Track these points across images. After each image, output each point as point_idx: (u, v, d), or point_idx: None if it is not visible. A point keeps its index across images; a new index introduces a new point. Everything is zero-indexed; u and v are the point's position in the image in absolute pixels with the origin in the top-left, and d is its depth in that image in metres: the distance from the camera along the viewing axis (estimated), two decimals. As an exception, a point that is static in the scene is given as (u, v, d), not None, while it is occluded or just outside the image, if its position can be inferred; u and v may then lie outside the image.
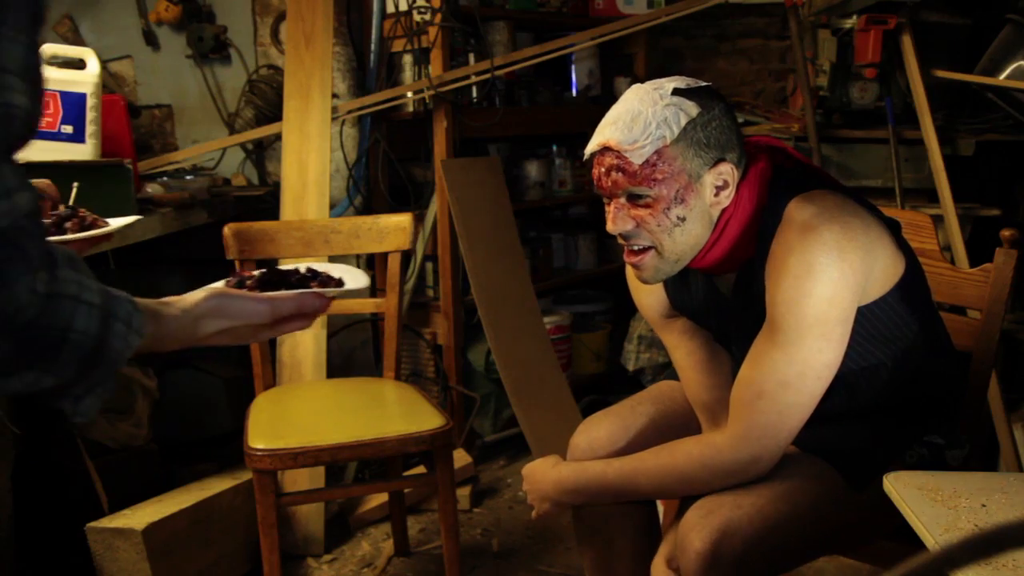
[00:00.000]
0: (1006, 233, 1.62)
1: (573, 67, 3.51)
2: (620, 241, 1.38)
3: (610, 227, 1.36)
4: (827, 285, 1.26)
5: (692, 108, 1.31)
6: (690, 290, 1.51)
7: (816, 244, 1.26)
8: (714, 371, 1.53)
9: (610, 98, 3.55)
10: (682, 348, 1.56)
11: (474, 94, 2.96)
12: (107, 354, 0.75)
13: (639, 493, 1.43)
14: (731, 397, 1.36)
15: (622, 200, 1.35)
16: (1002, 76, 2.79)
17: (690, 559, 1.29)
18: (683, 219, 1.32)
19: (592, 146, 1.36)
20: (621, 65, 3.65)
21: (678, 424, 1.57)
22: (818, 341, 1.28)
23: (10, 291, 0.64)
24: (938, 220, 2.62)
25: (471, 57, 2.94)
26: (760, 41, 3.73)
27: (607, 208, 1.38)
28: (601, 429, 1.57)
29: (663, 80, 1.36)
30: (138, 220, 1.51)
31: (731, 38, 3.76)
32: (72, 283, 0.70)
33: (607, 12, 3.47)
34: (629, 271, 1.51)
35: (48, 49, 2.10)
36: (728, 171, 1.33)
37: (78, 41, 3.14)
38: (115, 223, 1.32)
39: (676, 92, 1.32)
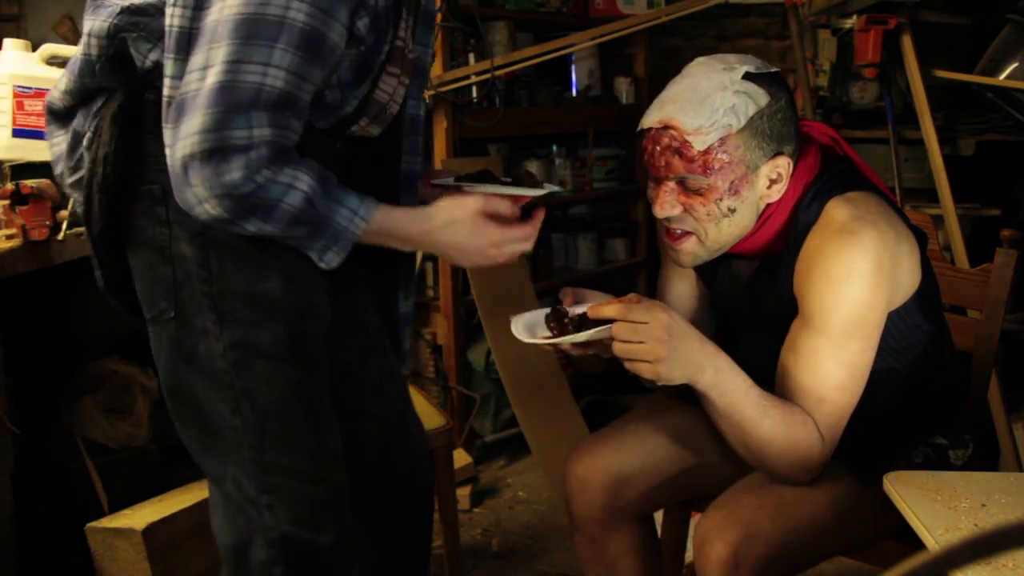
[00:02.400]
0: (1006, 233, 1.62)
1: (573, 67, 3.51)
2: (663, 222, 1.35)
3: (657, 211, 1.32)
4: (866, 290, 1.25)
5: (762, 97, 1.28)
6: (710, 265, 1.48)
7: (856, 249, 1.25)
8: None
9: (610, 98, 3.55)
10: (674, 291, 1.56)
11: (474, 94, 2.96)
12: (331, 227, 1.17)
13: (744, 428, 1.26)
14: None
15: (672, 183, 1.31)
16: (1002, 76, 2.79)
17: (711, 561, 1.27)
18: (733, 211, 1.30)
19: (650, 120, 1.30)
20: (621, 65, 3.65)
21: (673, 440, 1.56)
22: (861, 343, 1.27)
23: (229, 173, 1.09)
24: (938, 220, 2.62)
25: (471, 57, 2.94)
26: (760, 41, 3.73)
27: (653, 189, 1.33)
28: (596, 453, 1.54)
29: (733, 58, 1.31)
30: (558, 190, 1.62)
31: (731, 38, 3.76)
32: (289, 176, 1.12)
33: (607, 12, 3.46)
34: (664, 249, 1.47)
35: (48, 49, 2.10)
36: (784, 165, 1.31)
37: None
38: (543, 189, 1.38)
39: (748, 76, 1.28)
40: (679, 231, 1.34)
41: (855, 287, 1.25)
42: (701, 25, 3.75)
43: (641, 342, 1.20)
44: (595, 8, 3.50)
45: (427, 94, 2.79)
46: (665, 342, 1.20)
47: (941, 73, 2.84)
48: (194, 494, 2.19)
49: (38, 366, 2.15)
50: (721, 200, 1.29)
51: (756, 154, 1.29)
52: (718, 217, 1.30)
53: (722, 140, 1.26)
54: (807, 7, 2.88)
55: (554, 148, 3.40)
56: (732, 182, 1.28)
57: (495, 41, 3.02)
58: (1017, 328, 2.75)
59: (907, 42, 2.76)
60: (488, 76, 2.87)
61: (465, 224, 1.23)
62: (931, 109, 2.73)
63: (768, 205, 1.33)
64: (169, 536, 2.01)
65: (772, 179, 1.31)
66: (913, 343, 1.39)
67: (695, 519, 1.71)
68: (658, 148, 1.29)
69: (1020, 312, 2.79)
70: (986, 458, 2.47)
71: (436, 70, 2.81)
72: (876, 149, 2.96)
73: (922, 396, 1.44)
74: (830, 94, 2.97)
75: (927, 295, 1.38)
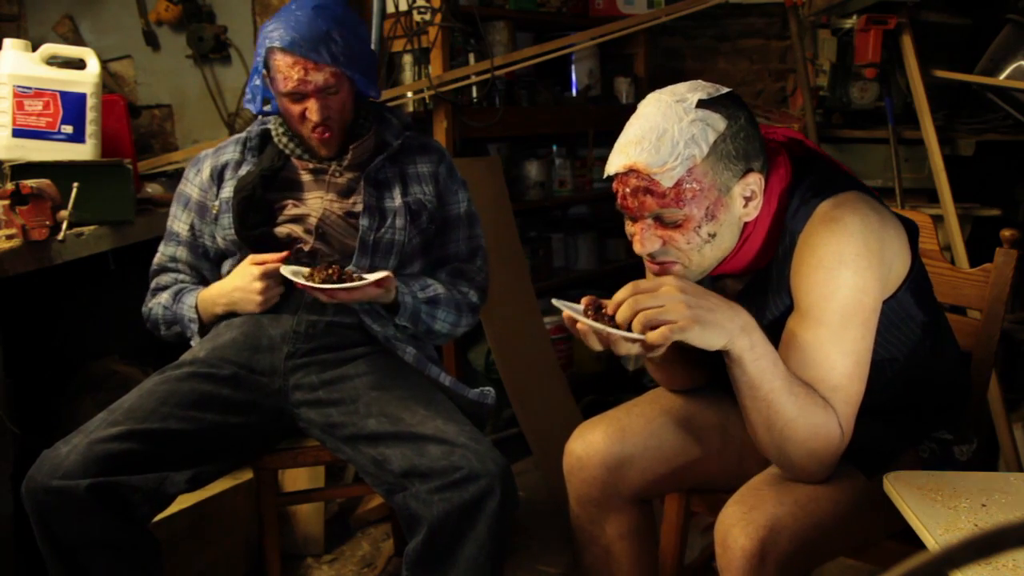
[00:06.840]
0: (1006, 233, 1.62)
1: (573, 67, 3.51)
2: (646, 256, 1.35)
3: (638, 249, 1.33)
4: (858, 274, 1.26)
5: (719, 122, 1.28)
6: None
7: (843, 234, 1.26)
8: None
9: (610, 98, 3.55)
10: None
11: (474, 94, 2.96)
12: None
13: (771, 403, 1.23)
14: None
15: (649, 220, 1.31)
16: (1002, 76, 2.79)
17: (735, 556, 1.26)
18: (713, 235, 1.31)
19: (615, 166, 1.31)
20: (621, 65, 3.65)
21: (675, 425, 1.56)
22: (860, 329, 1.27)
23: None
24: (938, 220, 2.62)
25: (471, 57, 2.94)
26: (760, 41, 3.73)
27: (630, 227, 1.34)
28: (597, 433, 1.54)
29: (683, 88, 1.32)
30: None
31: (731, 38, 3.76)
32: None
33: (607, 12, 3.47)
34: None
35: (48, 49, 2.10)
36: (756, 181, 1.31)
37: (78, 41, 3.14)
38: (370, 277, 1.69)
39: (701, 104, 1.28)
40: (663, 261, 1.34)
41: (847, 271, 1.25)
42: (701, 25, 3.75)
43: (661, 306, 1.18)
44: (595, 8, 3.51)
45: (427, 94, 2.79)
46: (683, 299, 1.18)
47: (941, 73, 2.84)
48: (194, 494, 2.18)
49: (38, 366, 2.15)
50: (700, 227, 1.30)
51: (725, 176, 1.29)
52: (699, 244, 1.31)
53: (689, 171, 1.27)
54: (807, 7, 2.89)
55: (554, 148, 3.40)
56: (707, 208, 1.29)
57: (495, 41, 3.02)
58: (1017, 328, 2.75)
59: (907, 42, 2.76)
60: (488, 76, 2.87)
61: (237, 270, 1.79)
62: (931, 109, 2.73)
63: (747, 224, 1.34)
64: (169, 536, 2.01)
65: (747, 197, 1.32)
66: (909, 334, 1.38)
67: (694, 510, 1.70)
68: (628, 190, 1.30)
69: (1020, 312, 2.79)
70: (985, 458, 2.47)
71: (436, 70, 2.81)
72: (876, 149, 2.96)
73: (923, 389, 1.44)
74: (830, 94, 2.97)
75: (919, 284, 1.38)
